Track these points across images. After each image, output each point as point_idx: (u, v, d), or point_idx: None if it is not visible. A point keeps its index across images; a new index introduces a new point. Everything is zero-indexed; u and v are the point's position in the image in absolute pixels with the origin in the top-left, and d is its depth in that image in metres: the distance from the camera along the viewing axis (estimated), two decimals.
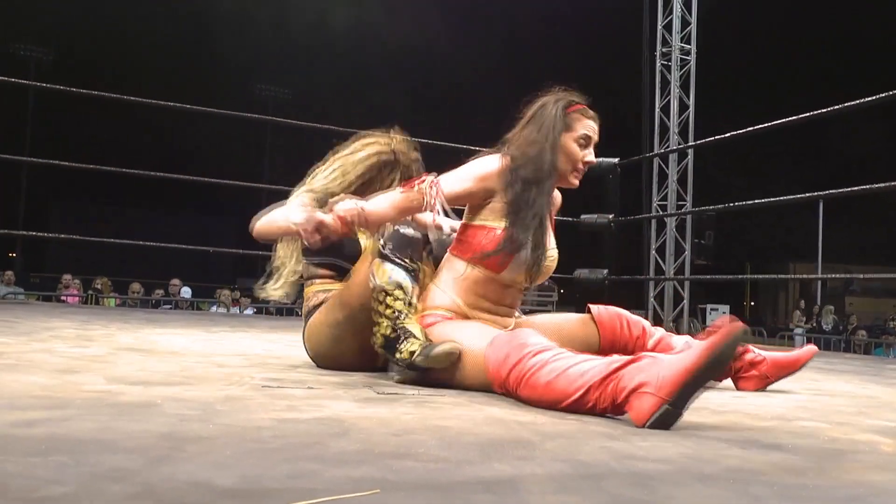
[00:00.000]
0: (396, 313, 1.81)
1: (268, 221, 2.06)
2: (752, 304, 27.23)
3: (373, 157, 2.21)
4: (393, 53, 18.24)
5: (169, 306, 10.28)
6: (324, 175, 2.18)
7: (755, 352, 2.09)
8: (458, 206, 1.89)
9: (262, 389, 1.57)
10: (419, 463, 0.94)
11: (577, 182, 1.95)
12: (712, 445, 1.18)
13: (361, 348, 1.97)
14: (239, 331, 3.46)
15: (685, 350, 1.45)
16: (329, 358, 2.08)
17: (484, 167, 1.86)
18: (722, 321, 1.38)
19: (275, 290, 2.23)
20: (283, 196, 2.23)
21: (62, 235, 5.64)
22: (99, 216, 19.90)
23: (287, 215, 1.96)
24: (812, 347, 2.15)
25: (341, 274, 2.12)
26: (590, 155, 1.93)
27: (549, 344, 1.59)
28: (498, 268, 1.85)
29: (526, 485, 0.86)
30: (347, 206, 1.83)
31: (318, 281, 2.15)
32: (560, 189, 2.01)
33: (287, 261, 2.25)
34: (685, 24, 11.25)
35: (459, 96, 18.99)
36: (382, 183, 2.19)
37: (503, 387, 1.61)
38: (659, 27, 11.33)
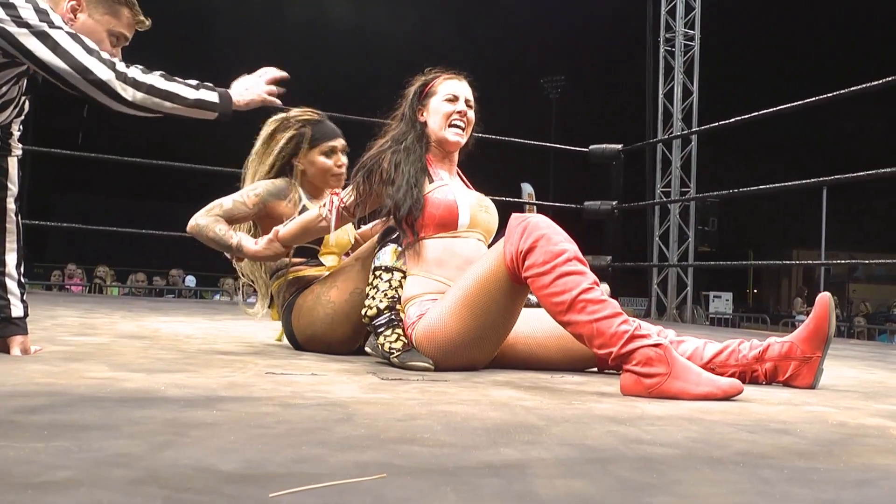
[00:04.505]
0: (396, 296, 1.90)
1: (206, 234, 2.17)
2: (756, 291, 27.17)
3: (269, 136, 2.35)
4: (396, 41, 18.16)
5: (172, 295, 10.29)
6: (249, 175, 2.37)
7: (776, 342, 1.78)
8: (370, 209, 2.04)
9: (266, 376, 1.56)
10: (425, 448, 0.94)
11: (455, 136, 2.05)
12: (720, 430, 1.17)
13: (354, 328, 2.06)
14: (242, 319, 3.45)
15: (700, 374, 1.53)
16: (317, 340, 2.12)
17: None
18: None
19: (258, 312, 2.38)
20: None
21: (64, 224, 5.62)
22: (100, 206, 19.87)
23: (226, 242, 2.12)
24: (825, 294, 1.74)
25: (311, 257, 2.24)
26: (460, 106, 2.05)
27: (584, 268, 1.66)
28: (426, 227, 1.93)
29: (533, 469, 0.86)
30: (264, 244, 2.05)
31: (291, 270, 2.23)
32: (447, 149, 2.07)
33: (257, 279, 2.36)
34: (689, 9, 11.16)
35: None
36: (282, 144, 2.32)
37: (514, 263, 1.69)
38: (663, 13, 11.24)
